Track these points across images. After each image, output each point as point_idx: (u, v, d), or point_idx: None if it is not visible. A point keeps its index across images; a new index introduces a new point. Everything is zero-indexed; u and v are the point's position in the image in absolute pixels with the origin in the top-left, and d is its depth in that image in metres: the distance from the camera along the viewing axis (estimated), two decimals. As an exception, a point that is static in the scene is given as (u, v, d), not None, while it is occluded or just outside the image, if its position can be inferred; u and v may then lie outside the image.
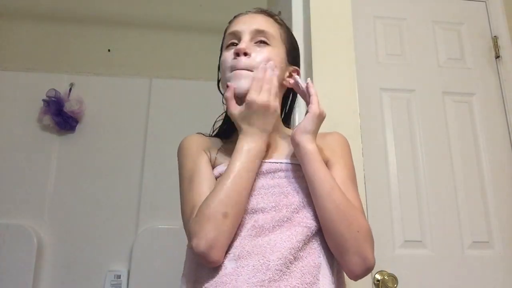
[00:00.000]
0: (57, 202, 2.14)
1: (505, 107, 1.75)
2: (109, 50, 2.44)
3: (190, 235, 0.81)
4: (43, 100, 2.20)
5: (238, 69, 0.91)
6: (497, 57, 1.81)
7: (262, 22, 0.97)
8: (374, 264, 0.84)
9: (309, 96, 0.93)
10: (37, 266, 1.98)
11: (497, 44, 1.82)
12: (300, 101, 1.57)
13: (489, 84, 1.78)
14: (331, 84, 1.54)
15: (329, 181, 0.84)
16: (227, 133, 1.04)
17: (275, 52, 0.95)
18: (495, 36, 1.83)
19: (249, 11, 1.01)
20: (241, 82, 0.90)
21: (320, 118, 0.91)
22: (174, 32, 2.50)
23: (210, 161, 0.94)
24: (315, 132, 0.90)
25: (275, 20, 1.01)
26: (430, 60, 1.77)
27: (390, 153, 1.62)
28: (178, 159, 0.97)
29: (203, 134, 1.03)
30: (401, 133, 1.65)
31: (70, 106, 2.20)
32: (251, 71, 0.91)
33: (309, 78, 0.96)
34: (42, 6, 2.45)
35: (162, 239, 2.07)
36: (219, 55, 1.02)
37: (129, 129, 2.29)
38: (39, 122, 2.22)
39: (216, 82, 1.05)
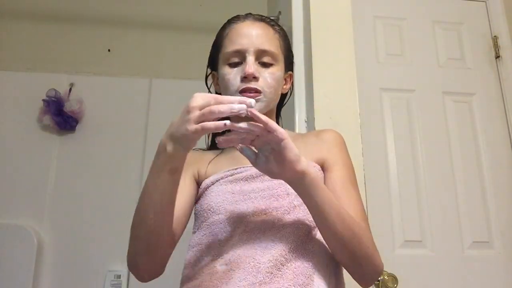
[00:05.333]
0: (57, 202, 2.13)
1: (505, 107, 1.75)
2: (109, 50, 2.44)
3: None
4: (43, 100, 2.20)
5: (247, 93, 0.91)
6: (497, 57, 1.81)
7: (264, 38, 0.96)
8: (383, 267, 0.86)
9: (267, 125, 0.73)
10: (37, 266, 1.98)
11: (497, 44, 1.82)
12: (300, 103, 1.57)
13: (489, 84, 1.78)
14: (331, 84, 1.54)
15: (335, 203, 0.80)
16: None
17: (277, 70, 0.97)
18: (495, 36, 1.83)
19: (247, 19, 1.00)
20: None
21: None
22: (174, 32, 2.49)
23: (198, 176, 0.95)
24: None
25: (275, 30, 1.01)
26: (430, 60, 1.77)
27: (390, 153, 1.62)
28: None
29: (200, 149, 1.04)
30: (401, 133, 1.65)
31: (70, 106, 2.20)
32: (260, 93, 0.92)
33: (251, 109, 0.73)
34: (42, 6, 2.45)
35: (162, 239, 2.07)
36: (210, 51, 1.03)
37: (129, 129, 2.29)
38: (39, 122, 2.22)
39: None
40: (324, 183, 0.91)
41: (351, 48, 1.60)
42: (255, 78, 0.93)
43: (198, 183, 0.96)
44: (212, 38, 1.04)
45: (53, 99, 2.20)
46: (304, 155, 0.79)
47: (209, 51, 1.05)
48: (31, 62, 2.34)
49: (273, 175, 0.77)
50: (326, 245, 0.85)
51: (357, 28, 1.67)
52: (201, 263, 0.85)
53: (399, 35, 1.79)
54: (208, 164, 0.97)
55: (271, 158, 0.74)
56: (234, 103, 0.71)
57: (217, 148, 1.03)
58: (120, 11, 2.50)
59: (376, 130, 1.64)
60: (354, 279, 0.85)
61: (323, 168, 0.93)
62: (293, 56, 1.07)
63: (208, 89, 1.06)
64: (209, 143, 1.08)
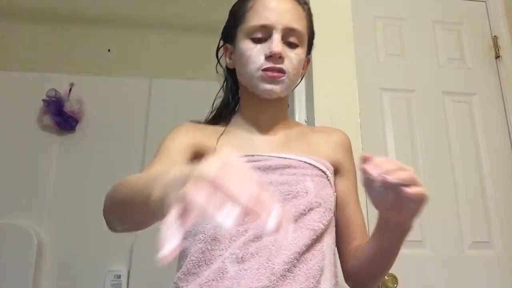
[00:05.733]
0: (57, 202, 2.13)
1: (505, 107, 1.75)
2: (109, 50, 2.44)
3: None
4: (43, 100, 2.20)
5: (270, 72, 0.86)
6: (497, 57, 1.80)
7: (293, 15, 0.90)
8: None
9: (410, 185, 0.65)
10: (37, 266, 1.98)
11: (497, 44, 1.81)
12: (300, 103, 1.57)
13: (489, 84, 1.78)
14: (331, 84, 1.54)
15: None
16: (226, 115, 0.99)
17: (302, 52, 0.92)
18: (495, 36, 1.83)
19: None
20: (273, 86, 0.87)
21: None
22: (174, 32, 2.49)
23: (203, 149, 0.87)
24: None
25: (304, 8, 0.95)
26: (430, 60, 1.77)
27: (390, 153, 1.62)
28: (163, 138, 0.91)
29: (199, 122, 0.98)
30: (401, 133, 1.65)
31: (70, 106, 2.19)
32: (284, 74, 0.88)
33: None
34: (42, 6, 2.45)
35: (162, 239, 2.07)
36: (226, 22, 0.97)
37: (129, 129, 2.28)
38: (39, 122, 2.22)
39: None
40: (335, 185, 0.92)
41: (351, 48, 1.60)
42: (281, 58, 0.87)
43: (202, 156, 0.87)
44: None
45: (53, 99, 2.20)
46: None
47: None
48: (31, 62, 2.34)
49: (380, 209, 0.72)
50: (332, 247, 0.86)
51: (357, 28, 1.67)
52: (207, 257, 0.79)
53: (399, 35, 1.79)
54: (218, 140, 0.89)
55: (390, 196, 0.66)
56: (239, 198, 0.42)
57: (217, 123, 0.97)
58: (120, 11, 2.50)
59: (376, 130, 1.64)
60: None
61: (335, 170, 0.92)
62: (314, 39, 1.01)
63: (218, 61, 1.01)
64: (209, 117, 1.00)
